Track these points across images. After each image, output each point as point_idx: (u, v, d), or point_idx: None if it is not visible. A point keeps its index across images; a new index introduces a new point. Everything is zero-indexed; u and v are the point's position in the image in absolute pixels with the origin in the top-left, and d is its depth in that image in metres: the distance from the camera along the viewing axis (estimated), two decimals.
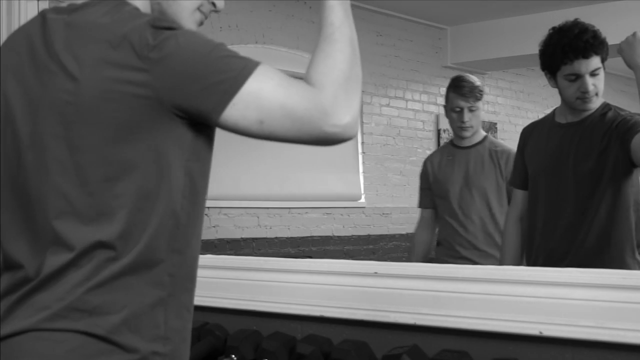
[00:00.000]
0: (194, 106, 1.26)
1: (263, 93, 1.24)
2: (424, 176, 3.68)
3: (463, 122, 3.48)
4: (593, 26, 2.66)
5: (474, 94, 3.47)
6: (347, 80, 1.27)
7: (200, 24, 1.47)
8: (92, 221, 1.27)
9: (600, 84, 2.65)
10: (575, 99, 2.66)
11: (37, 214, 1.31)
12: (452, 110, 3.50)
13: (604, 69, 2.65)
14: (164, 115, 1.26)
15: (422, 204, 3.71)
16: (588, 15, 2.71)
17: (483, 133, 3.58)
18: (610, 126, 2.61)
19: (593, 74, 2.62)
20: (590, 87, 2.62)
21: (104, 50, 1.27)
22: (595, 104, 2.67)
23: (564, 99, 2.72)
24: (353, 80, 1.28)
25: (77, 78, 1.28)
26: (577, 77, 2.63)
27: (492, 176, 3.48)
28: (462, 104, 3.47)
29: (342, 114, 1.24)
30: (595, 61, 2.62)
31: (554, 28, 2.70)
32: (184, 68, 1.24)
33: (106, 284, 1.26)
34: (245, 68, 1.25)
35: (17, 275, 1.32)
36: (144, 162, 1.28)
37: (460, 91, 3.48)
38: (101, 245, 1.26)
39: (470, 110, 3.48)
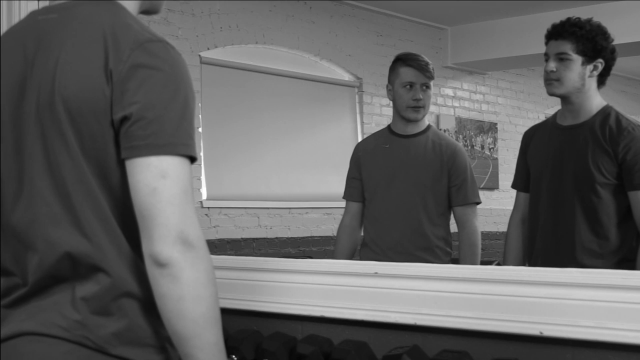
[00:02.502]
0: (121, 134, 1.23)
1: (170, 183, 1.22)
2: (354, 164, 3.22)
3: (417, 99, 3.04)
4: (589, 21, 2.64)
5: (429, 70, 3.08)
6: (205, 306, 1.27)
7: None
8: (69, 225, 1.26)
9: (566, 72, 2.61)
10: (544, 81, 2.68)
11: (17, 218, 1.30)
12: (402, 86, 3.07)
13: (585, 64, 2.61)
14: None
15: (348, 195, 3.23)
16: (588, 16, 2.70)
17: (426, 122, 3.17)
18: (612, 134, 2.58)
19: (559, 57, 2.62)
20: (551, 68, 2.62)
21: (88, 50, 1.25)
22: (560, 90, 2.64)
23: None
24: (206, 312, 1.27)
25: (55, 78, 1.26)
26: (548, 58, 2.66)
27: (433, 171, 3.06)
28: (416, 78, 3.06)
29: (189, 236, 1.26)
30: (563, 45, 2.61)
31: None
32: (148, 87, 1.22)
33: (96, 294, 1.25)
34: (186, 146, 1.23)
35: (11, 281, 1.32)
36: (113, 168, 1.27)
37: (415, 64, 3.08)
38: (80, 252, 1.25)
39: (423, 89, 3.07)
